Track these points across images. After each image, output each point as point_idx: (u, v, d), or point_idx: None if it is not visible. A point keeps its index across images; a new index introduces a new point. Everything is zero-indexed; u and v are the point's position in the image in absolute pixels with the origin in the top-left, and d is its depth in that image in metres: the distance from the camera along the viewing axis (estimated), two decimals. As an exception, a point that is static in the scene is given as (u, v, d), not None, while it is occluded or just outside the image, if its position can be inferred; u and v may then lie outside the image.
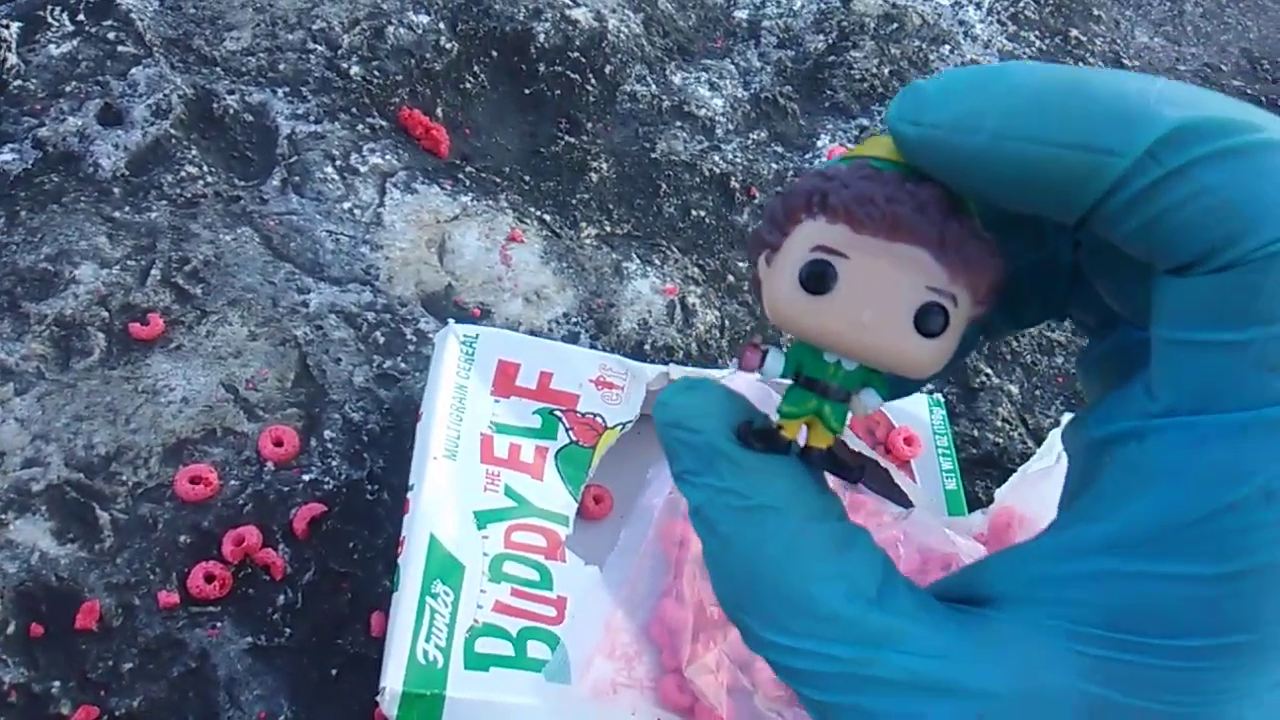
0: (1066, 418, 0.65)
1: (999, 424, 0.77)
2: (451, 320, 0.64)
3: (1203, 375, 0.18)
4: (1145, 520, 0.18)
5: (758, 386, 0.61)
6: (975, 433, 0.76)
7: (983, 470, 0.73)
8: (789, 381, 0.22)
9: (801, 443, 0.22)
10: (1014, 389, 0.80)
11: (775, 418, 0.22)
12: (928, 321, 0.20)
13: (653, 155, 0.88)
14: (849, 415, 0.22)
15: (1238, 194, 0.16)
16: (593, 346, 0.73)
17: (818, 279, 0.20)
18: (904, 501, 0.58)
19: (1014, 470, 0.68)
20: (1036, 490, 0.56)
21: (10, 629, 0.55)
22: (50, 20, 0.83)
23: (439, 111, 0.86)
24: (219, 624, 0.57)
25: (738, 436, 0.22)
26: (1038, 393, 0.81)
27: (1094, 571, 0.19)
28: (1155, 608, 0.18)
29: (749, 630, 0.21)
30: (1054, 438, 0.63)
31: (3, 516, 0.58)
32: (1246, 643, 0.17)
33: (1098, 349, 0.24)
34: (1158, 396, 0.18)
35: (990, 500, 0.66)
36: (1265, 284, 0.17)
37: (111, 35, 0.82)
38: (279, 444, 0.63)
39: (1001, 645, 0.19)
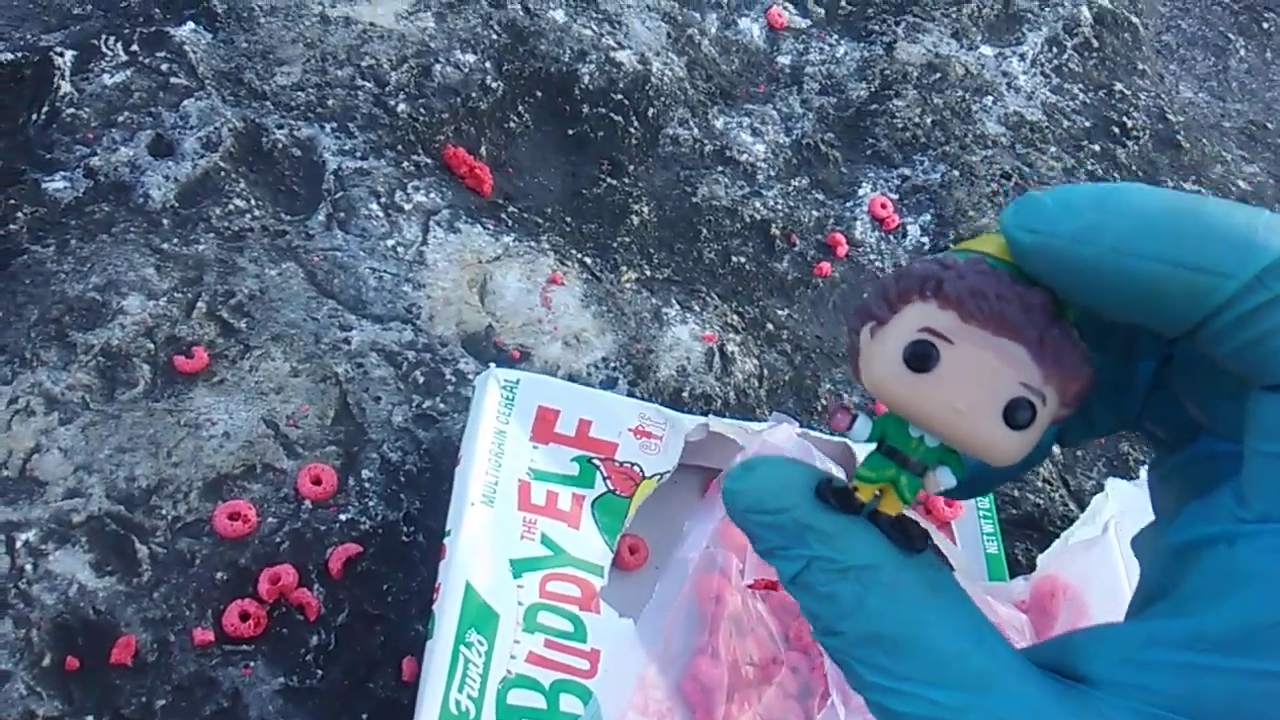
0: (1110, 482, 0.64)
1: (1040, 485, 0.76)
2: (493, 364, 0.64)
3: None
4: (1232, 618, 0.19)
5: (796, 443, 0.61)
6: (1016, 493, 0.75)
7: (1023, 532, 0.72)
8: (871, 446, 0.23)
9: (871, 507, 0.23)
10: (1055, 449, 0.79)
11: (842, 477, 0.24)
12: (1017, 415, 0.21)
13: (694, 200, 0.88)
14: (921, 489, 0.23)
15: None
16: (631, 392, 0.73)
17: (921, 358, 0.21)
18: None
19: (1055, 532, 0.67)
20: (1080, 560, 0.55)
21: (46, 661, 0.55)
22: (105, 49, 0.84)
23: (483, 150, 0.87)
24: (252, 663, 0.57)
25: (817, 494, 0.23)
26: (1079, 454, 0.80)
27: (1178, 663, 0.20)
28: (1236, 701, 0.19)
29: (853, 672, 0.22)
30: (1098, 503, 0.62)
31: (43, 547, 0.58)
32: None
33: (1171, 460, 0.25)
34: (1251, 504, 0.19)
35: (1030, 563, 0.66)
36: None
37: (165, 67, 0.83)
38: (317, 482, 0.63)
39: (1089, 715, 0.20)
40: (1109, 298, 0.20)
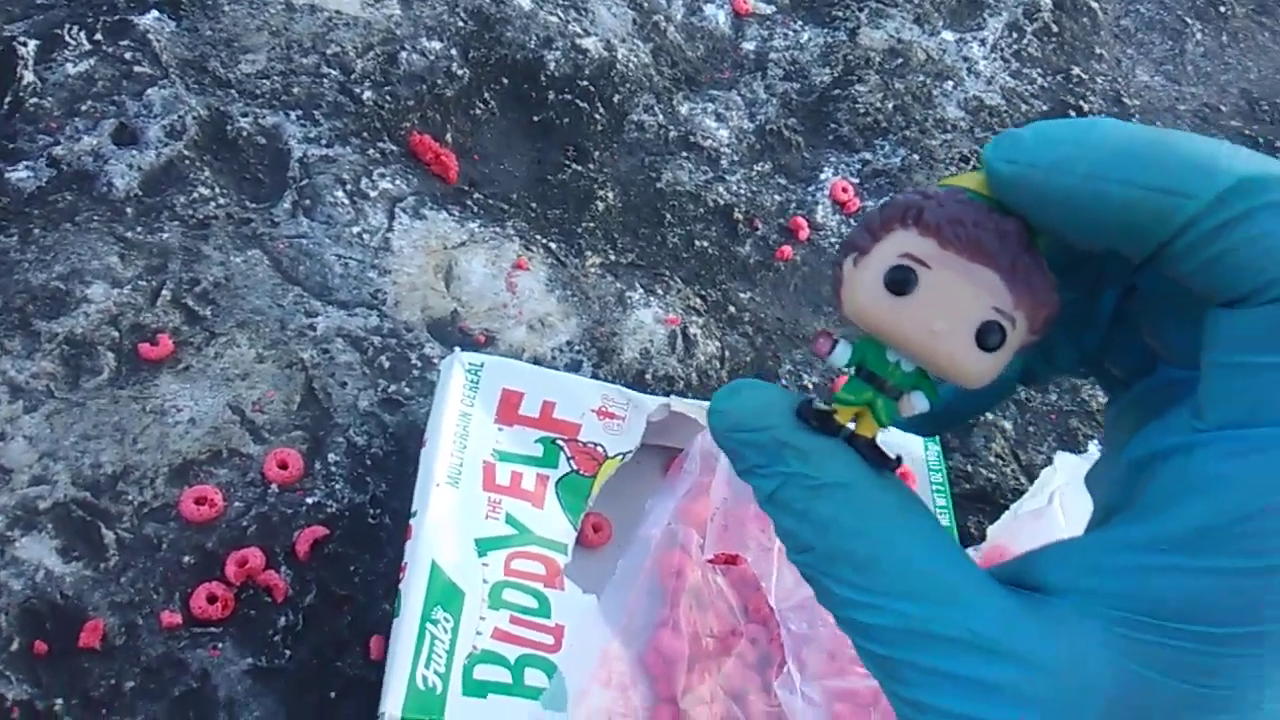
0: (1059, 456, 0.66)
1: (992, 459, 0.78)
2: (457, 348, 0.65)
3: (1253, 394, 0.20)
4: (1191, 520, 0.20)
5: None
6: (969, 468, 0.77)
7: (976, 505, 0.74)
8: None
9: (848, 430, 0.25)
10: (1008, 425, 0.81)
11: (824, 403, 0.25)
12: (988, 337, 0.22)
13: (658, 185, 0.89)
14: (896, 412, 0.24)
15: None
16: (595, 375, 0.74)
17: (901, 282, 0.22)
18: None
19: (1006, 506, 0.69)
20: (1029, 529, 0.57)
21: (14, 646, 0.56)
22: (68, 39, 0.84)
23: (449, 137, 0.87)
24: (220, 645, 0.58)
25: (798, 413, 0.24)
26: (1031, 429, 0.82)
27: (1139, 565, 0.21)
28: (1194, 598, 0.20)
29: (824, 589, 0.23)
30: (1046, 475, 0.64)
31: (9, 534, 0.59)
32: (1274, 632, 0.20)
33: (1128, 396, 0.27)
34: (1206, 414, 0.21)
35: (983, 536, 0.67)
36: None
37: (128, 55, 0.83)
38: (284, 466, 0.64)
39: (1052, 622, 0.21)
40: (1082, 224, 0.21)
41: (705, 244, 0.87)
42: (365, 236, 0.77)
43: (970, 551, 0.58)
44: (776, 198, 0.92)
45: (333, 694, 0.58)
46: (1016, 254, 0.22)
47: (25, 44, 0.82)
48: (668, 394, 0.70)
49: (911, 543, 0.23)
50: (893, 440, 0.29)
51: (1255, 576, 0.20)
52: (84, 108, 0.79)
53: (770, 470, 0.24)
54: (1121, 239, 0.21)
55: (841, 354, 0.24)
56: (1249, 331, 0.20)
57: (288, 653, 0.59)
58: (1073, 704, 0.21)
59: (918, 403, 0.24)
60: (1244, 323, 0.20)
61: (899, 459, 0.25)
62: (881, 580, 0.22)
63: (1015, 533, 0.58)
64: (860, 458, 0.24)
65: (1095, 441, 0.78)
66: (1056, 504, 0.57)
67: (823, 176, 0.95)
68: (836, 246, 0.91)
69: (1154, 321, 0.25)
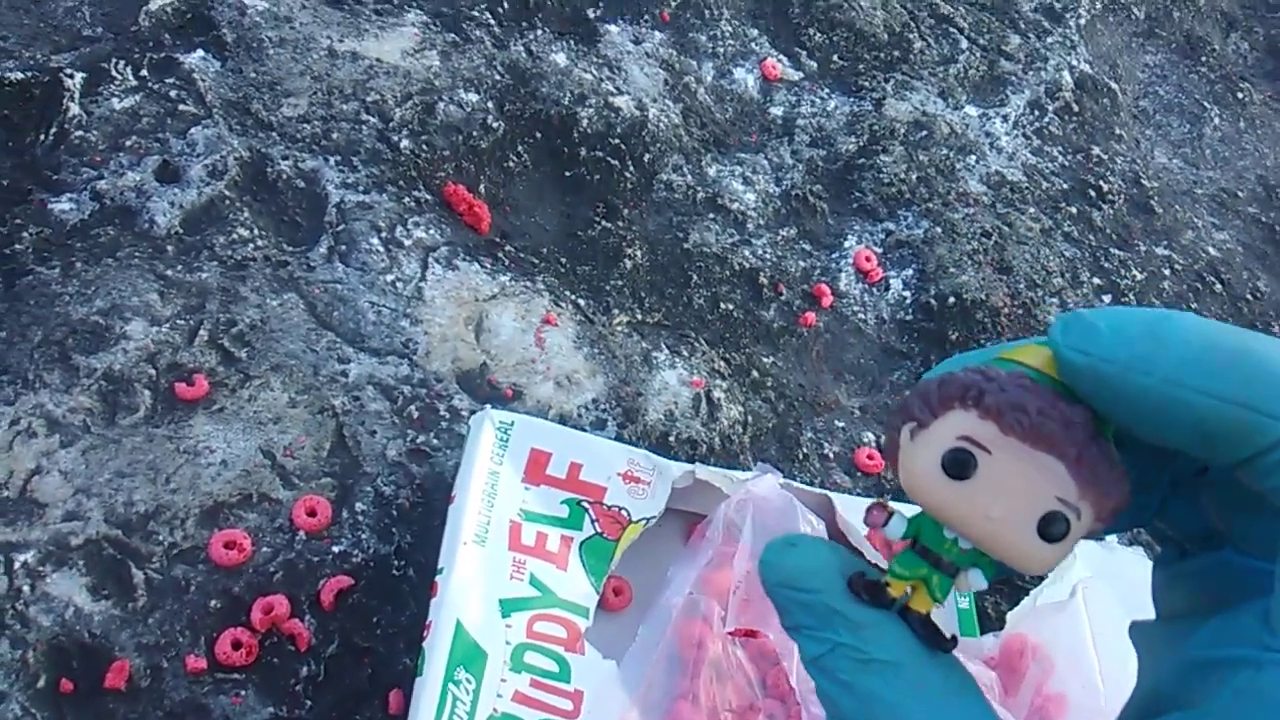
0: (1078, 545, 0.67)
1: (1007, 539, 0.78)
2: (489, 405, 0.66)
3: None
4: None
5: (779, 494, 0.63)
6: (984, 546, 0.78)
7: (994, 587, 0.75)
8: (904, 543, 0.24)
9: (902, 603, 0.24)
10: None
11: (875, 572, 0.24)
12: (1051, 528, 0.22)
13: (685, 245, 0.91)
14: (953, 589, 0.24)
15: None
16: (619, 435, 0.75)
17: (960, 466, 0.22)
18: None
19: (1025, 589, 0.70)
20: (1048, 622, 0.58)
21: (41, 682, 0.56)
22: (114, 74, 0.85)
23: (482, 188, 0.89)
24: (243, 692, 0.58)
25: (850, 586, 0.24)
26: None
27: None
28: None
29: None
30: (1065, 564, 0.65)
31: (41, 569, 0.59)
32: None
33: (1185, 564, 0.26)
34: (1278, 632, 0.20)
35: (999, 618, 0.68)
36: None
37: (173, 93, 0.85)
38: (312, 514, 0.65)
39: None
40: (1158, 427, 0.21)
41: (730, 306, 0.88)
42: (399, 285, 0.79)
43: (990, 638, 0.59)
44: (801, 263, 0.94)
45: (351, 746, 0.59)
46: (1083, 444, 0.21)
47: (72, 76, 0.84)
48: (691, 457, 0.71)
49: None
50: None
51: None
52: (128, 143, 0.81)
53: (818, 635, 0.23)
54: (1199, 447, 0.21)
55: (896, 527, 0.24)
56: None
57: (309, 703, 0.59)
58: None
59: (975, 581, 0.23)
60: None
61: (954, 638, 0.25)
62: None
63: (1035, 623, 0.59)
64: (913, 633, 0.24)
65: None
66: (1079, 598, 0.58)
67: (847, 244, 0.96)
68: (859, 315, 0.92)
69: (1224, 505, 0.24)
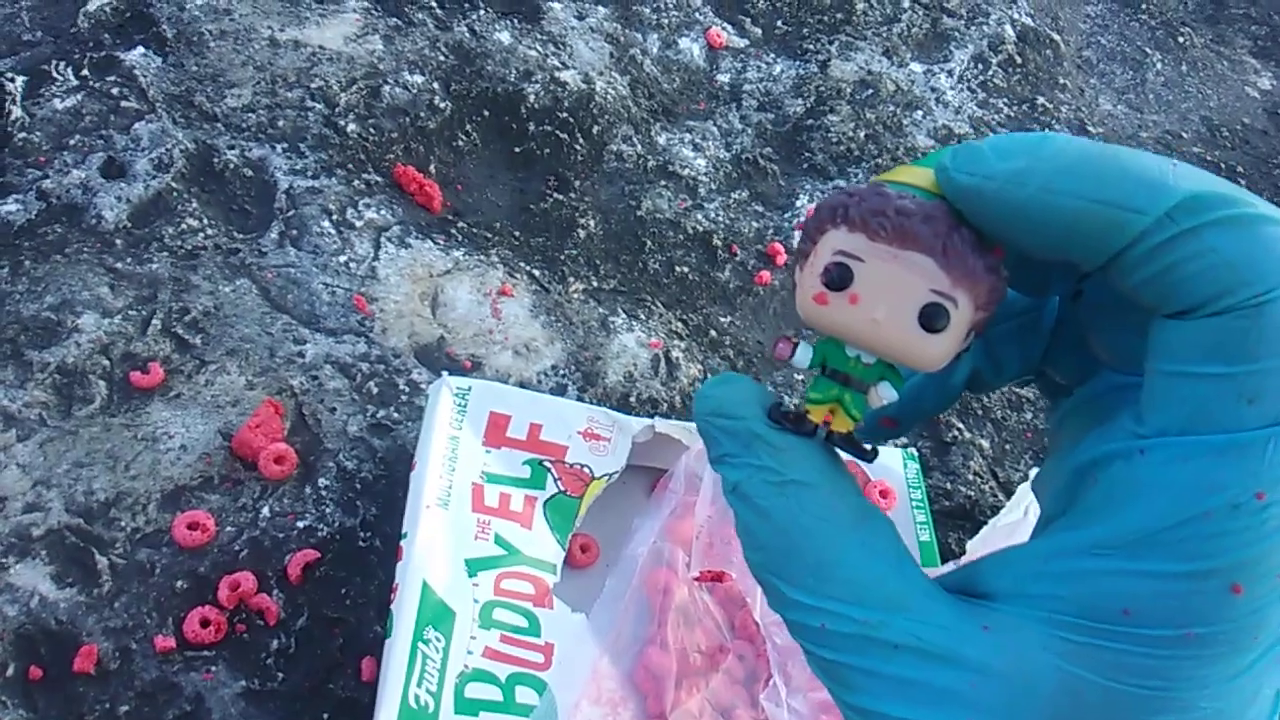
0: (1034, 472, 0.68)
1: (970, 477, 0.79)
2: (445, 372, 0.66)
3: (1193, 402, 0.21)
4: (1129, 525, 0.21)
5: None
6: (948, 485, 0.79)
7: (955, 522, 0.76)
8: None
9: (825, 429, 0.25)
10: (985, 443, 0.83)
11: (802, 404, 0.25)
12: (933, 320, 0.23)
13: (638, 213, 0.91)
14: (867, 404, 0.25)
15: (1235, 254, 0.20)
16: (580, 398, 0.76)
17: (839, 279, 0.23)
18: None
19: (985, 522, 0.71)
20: (1007, 543, 0.59)
21: (10, 672, 0.56)
22: (55, 75, 0.85)
23: (432, 168, 0.89)
24: (214, 668, 0.59)
25: (769, 416, 0.25)
26: (1008, 447, 0.84)
27: (1078, 570, 0.21)
28: (1130, 601, 0.21)
29: (775, 591, 0.24)
30: (1023, 491, 0.66)
31: (3, 560, 0.59)
32: (1205, 634, 0.20)
33: (1070, 401, 0.27)
34: (1148, 421, 0.21)
35: (963, 551, 0.69)
36: (1252, 328, 0.20)
37: (115, 91, 0.84)
38: (280, 461, 0.65)
39: (995, 627, 0.22)
40: (1035, 235, 0.22)
41: (685, 270, 0.89)
42: (352, 265, 0.79)
43: (949, 565, 0.60)
44: (754, 224, 0.94)
45: (325, 715, 0.59)
46: (946, 235, 0.22)
47: (13, 80, 0.84)
48: (652, 416, 0.72)
49: (864, 549, 0.23)
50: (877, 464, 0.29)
51: (1191, 580, 0.20)
52: (72, 142, 0.80)
53: (740, 461, 0.24)
54: (1073, 250, 0.22)
55: (803, 356, 0.25)
56: (1191, 342, 0.21)
57: (281, 675, 0.59)
58: (1016, 708, 0.21)
59: (885, 393, 0.24)
60: (1187, 333, 0.21)
61: (875, 450, 0.26)
62: (832, 584, 0.23)
63: (993, 544, 0.60)
64: (832, 459, 0.25)
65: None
66: (1031, 516, 0.59)
67: (798, 204, 0.97)
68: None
69: (1098, 327, 0.26)
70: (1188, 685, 0.21)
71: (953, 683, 0.21)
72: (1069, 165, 0.21)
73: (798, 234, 0.96)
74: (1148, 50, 1.29)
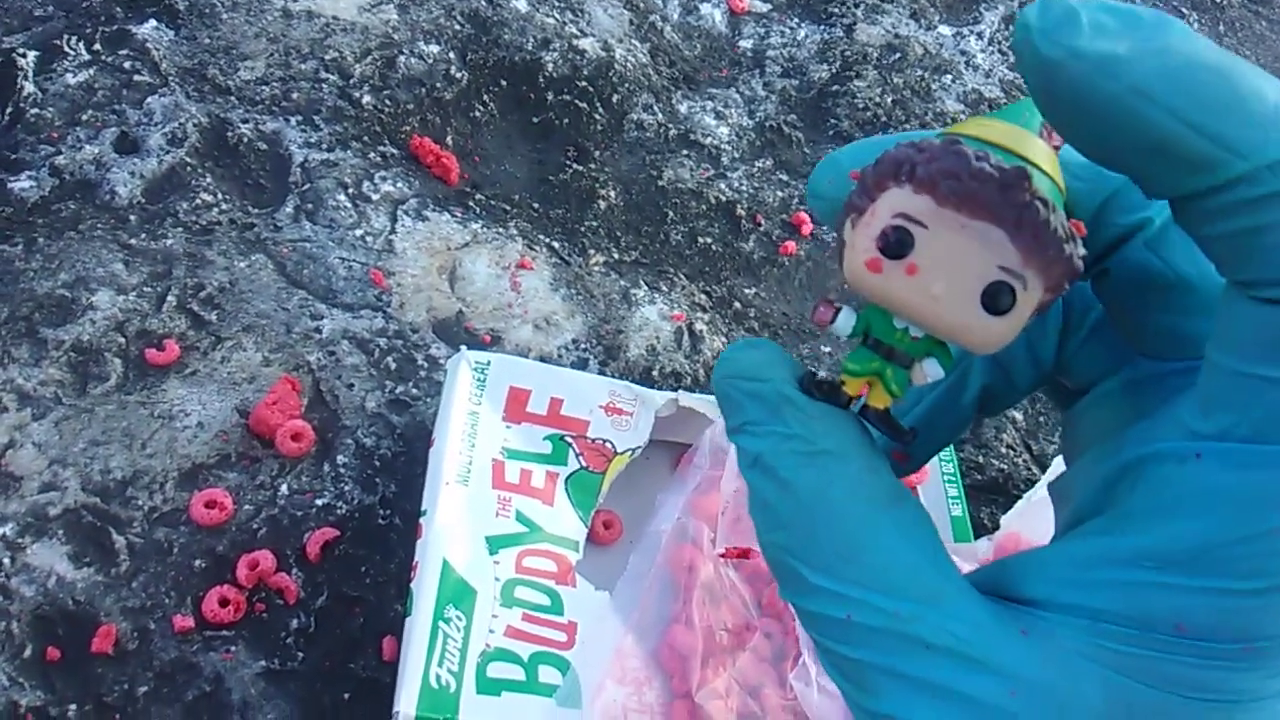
0: (1051, 471, 0.66)
1: (1004, 450, 0.77)
2: (464, 347, 0.65)
3: (1264, 408, 0.18)
4: (1184, 536, 0.19)
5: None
6: (980, 459, 0.77)
7: (988, 496, 0.74)
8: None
9: (860, 401, 0.23)
10: (1018, 415, 0.81)
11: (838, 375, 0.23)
12: (997, 300, 0.20)
13: (660, 183, 0.89)
14: (910, 381, 0.23)
15: None
16: (601, 373, 0.74)
17: (898, 245, 0.20)
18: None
19: (1019, 496, 0.69)
20: (1041, 516, 0.57)
21: (27, 653, 0.55)
22: (67, 49, 0.84)
23: (449, 140, 0.87)
24: (233, 648, 0.58)
25: (801, 386, 0.22)
26: (1042, 419, 0.82)
27: (1126, 580, 0.19)
28: (1185, 616, 0.19)
29: (794, 576, 0.21)
30: (1057, 464, 0.64)
31: (20, 540, 0.58)
32: (1267, 648, 0.19)
33: (1092, 395, 0.25)
34: (1211, 419, 0.19)
35: (996, 526, 0.67)
36: None
37: (128, 65, 0.83)
38: (297, 438, 0.64)
39: (1034, 632, 0.20)
40: (1109, 141, 0.18)
41: (709, 240, 0.87)
42: (369, 239, 0.77)
43: (984, 541, 0.58)
44: (779, 194, 0.92)
45: (346, 695, 0.58)
46: (1023, 207, 0.20)
47: (25, 55, 0.82)
48: (675, 389, 0.70)
49: (899, 532, 0.21)
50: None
51: (1256, 597, 0.18)
52: (85, 117, 0.79)
53: (765, 429, 0.22)
54: (1148, 173, 0.18)
55: (845, 323, 0.22)
56: (1267, 339, 0.18)
57: (300, 655, 0.58)
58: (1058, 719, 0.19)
59: (931, 370, 0.22)
60: (1263, 326, 0.18)
61: (914, 431, 0.23)
62: (861, 569, 0.20)
63: (1029, 519, 0.58)
64: (867, 434, 0.22)
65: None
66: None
67: (824, 172, 0.95)
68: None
69: (1128, 307, 0.23)
70: (1240, 696, 0.19)
71: (989, 690, 0.19)
72: (1174, 70, 0.17)
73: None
74: (1184, 10, 1.25)
